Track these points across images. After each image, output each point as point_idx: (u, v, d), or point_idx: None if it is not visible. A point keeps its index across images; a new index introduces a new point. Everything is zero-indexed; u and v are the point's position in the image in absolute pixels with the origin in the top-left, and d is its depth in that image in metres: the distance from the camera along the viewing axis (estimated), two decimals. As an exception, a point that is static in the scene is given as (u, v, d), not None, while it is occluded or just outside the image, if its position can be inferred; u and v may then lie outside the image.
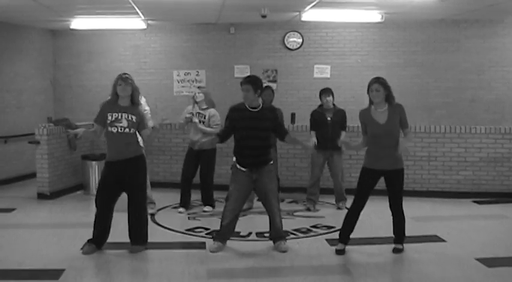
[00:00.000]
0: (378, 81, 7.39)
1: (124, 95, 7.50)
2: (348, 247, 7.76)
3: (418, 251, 7.68)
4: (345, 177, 10.66)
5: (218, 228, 7.87)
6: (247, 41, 14.33)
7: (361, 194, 7.64)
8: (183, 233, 8.64)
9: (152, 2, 11.07)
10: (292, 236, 8.39)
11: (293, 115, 12.09)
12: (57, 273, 6.72)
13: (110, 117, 7.38)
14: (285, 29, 14.13)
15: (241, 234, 8.48)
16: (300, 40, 14.15)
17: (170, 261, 7.29)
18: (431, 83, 13.91)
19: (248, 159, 7.61)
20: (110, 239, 7.78)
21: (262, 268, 7.07)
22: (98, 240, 7.65)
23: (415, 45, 13.87)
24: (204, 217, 9.65)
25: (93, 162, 11.65)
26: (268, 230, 8.09)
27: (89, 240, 7.65)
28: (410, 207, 10.28)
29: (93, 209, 9.95)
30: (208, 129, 9.82)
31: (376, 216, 9.68)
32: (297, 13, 12.32)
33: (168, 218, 9.54)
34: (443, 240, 8.16)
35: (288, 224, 9.01)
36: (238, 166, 7.64)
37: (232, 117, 7.68)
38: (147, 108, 9.53)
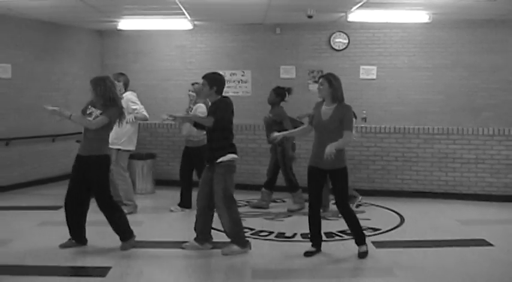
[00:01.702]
0: (324, 76, 7.43)
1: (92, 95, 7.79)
2: (394, 250, 7.73)
3: (464, 255, 7.58)
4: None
5: (261, 228, 7.86)
6: (293, 41, 14.31)
7: (313, 194, 7.53)
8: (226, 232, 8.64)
9: (199, 3, 11.12)
10: (337, 237, 8.34)
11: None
12: (104, 270, 6.80)
13: (88, 110, 7.74)
14: (331, 30, 14.07)
15: (286, 235, 8.47)
16: (346, 41, 14.08)
17: (215, 260, 7.33)
18: (479, 84, 13.70)
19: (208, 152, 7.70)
20: (155, 238, 7.85)
21: (306, 269, 7.04)
22: (74, 235, 7.88)
23: (462, 46, 13.68)
24: (248, 217, 9.65)
25: (139, 162, 11.74)
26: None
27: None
28: (457, 210, 10.26)
29: (139, 207, 10.12)
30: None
31: (421, 218, 9.64)
32: (343, 13, 12.27)
33: (214, 218, 9.55)
34: (491, 245, 8.01)
35: (333, 225, 9.00)
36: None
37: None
38: (134, 107, 9.89)
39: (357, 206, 10.20)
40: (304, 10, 11.63)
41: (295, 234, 8.47)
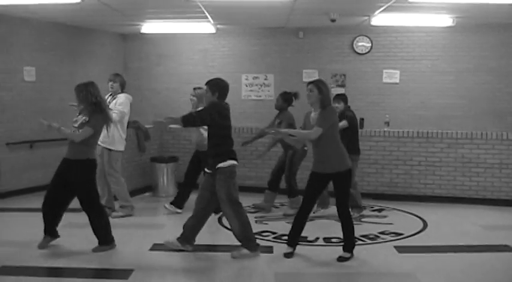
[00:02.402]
0: (314, 82, 7.44)
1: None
2: (416, 255, 7.70)
3: (488, 260, 7.52)
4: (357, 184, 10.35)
5: (285, 232, 7.86)
6: (316, 45, 14.29)
7: (309, 198, 7.54)
8: (250, 236, 8.65)
9: (222, 7, 11.14)
10: (359, 242, 8.32)
11: (362, 120, 12.01)
12: (127, 273, 6.83)
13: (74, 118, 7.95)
14: (354, 34, 14.04)
15: (309, 239, 8.45)
16: (369, 44, 14.04)
17: (237, 264, 7.32)
18: (503, 88, 13.58)
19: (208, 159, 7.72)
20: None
21: (329, 274, 7.04)
22: (49, 229, 8.00)
23: (486, 50, 13.58)
24: (271, 221, 9.66)
25: (162, 165, 11.80)
26: (336, 235, 8.09)
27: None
28: (480, 216, 10.19)
29: (161, 210, 10.17)
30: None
31: (444, 223, 9.59)
32: (367, 17, 12.24)
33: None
34: (515, 250, 7.97)
35: (355, 230, 8.95)
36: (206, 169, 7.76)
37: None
38: (119, 107, 10.01)
39: (360, 217, 10.05)
40: (328, 14, 11.61)
41: (317, 238, 8.45)
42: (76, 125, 7.76)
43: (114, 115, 9.72)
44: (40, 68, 12.42)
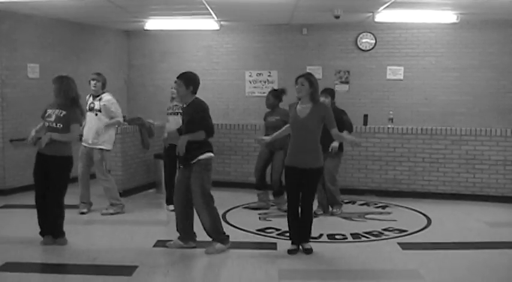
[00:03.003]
0: (305, 76, 7.49)
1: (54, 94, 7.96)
2: (420, 251, 7.70)
3: (492, 257, 7.51)
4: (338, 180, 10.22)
5: (287, 229, 7.85)
6: (320, 41, 14.27)
7: (291, 194, 7.58)
8: (254, 233, 8.64)
9: (225, 3, 11.13)
10: (363, 238, 8.31)
11: (365, 117, 12.00)
12: (130, 269, 6.83)
13: (46, 113, 7.91)
14: (358, 30, 14.01)
15: (312, 235, 8.43)
16: (373, 41, 14.01)
17: (241, 261, 7.31)
18: (507, 85, 13.53)
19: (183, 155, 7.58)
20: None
21: (332, 270, 7.03)
22: (46, 229, 7.96)
23: (491, 47, 13.54)
24: (275, 217, 9.65)
25: (166, 162, 11.80)
26: (339, 232, 8.09)
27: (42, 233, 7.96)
28: (485, 212, 10.19)
29: (164, 207, 10.17)
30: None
31: (448, 220, 9.59)
32: (371, 14, 12.21)
33: (239, 218, 9.58)
34: (520, 247, 7.96)
35: (359, 227, 8.99)
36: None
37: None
38: (112, 110, 9.97)
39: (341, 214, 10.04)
40: (331, 10, 11.59)
41: (321, 235, 8.44)
42: (52, 119, 7.76)
43: (118, 119, 9.80)
44: (44, 65, 12.41)
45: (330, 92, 10.03)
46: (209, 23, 13.40)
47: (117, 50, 14.90)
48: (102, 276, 6.79)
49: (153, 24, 13.40)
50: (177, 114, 9.97)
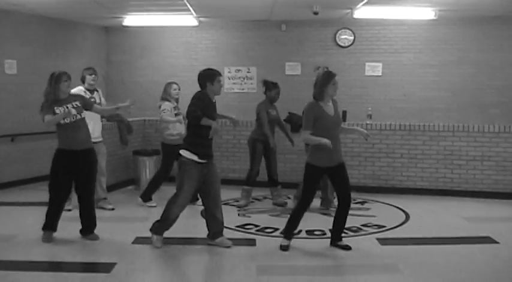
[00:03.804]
0: (336, 75, 7.50)
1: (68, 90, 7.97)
2: (399, 247, 7.74)
3: (470, 252, 7.57)
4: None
5: (268, 225, 7.84)
6: (299, 38, 14.29)
7: (312, 192, 7.56)
8: (233, 229, 8.62)
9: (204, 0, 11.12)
10: (343, 234, 8.33)
11: (344, 113, 12.01)
12: (109, 266, 6.80)
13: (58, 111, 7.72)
14: (337, 26, 14.05)
15: (291, 231, 8.48)
16: (352, 37, 14.06)
17: (220, 257, 7.31)
18: (486, 81, 13.65)
19: (206, 149, 7.59)
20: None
21: (311, 266, 7.04)
22: (54, 224, 7.99)
23: (469, 43, 13.64)
24: (254, 214, 9.66)
25: (145, 158, 11.74)
26: (318, 228, 8.09)
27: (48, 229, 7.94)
28: (463, 208, 10.26)
29: (144, 203, 10.14)
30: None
31: (426, 215, 9.63)
32: (349, 10, 12.24)
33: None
34: (496, 242, 7.99)
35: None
36: (198, 159, 7.47)
37: (209, 103, 7.59)
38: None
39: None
40: (310, 7, 11.62)
41: (300, 231, 8.45)
42: (74, 113, 7.67)
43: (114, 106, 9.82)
44: (21, 61, 12.33)
45: None
46: (188, 19, 13.38)
47: (95, 46, 14.82)
48: (80, 273, 6.76)
49: (131, 20, 13.35)
50: (180, 114, 10.08)
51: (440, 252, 7.57)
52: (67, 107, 7.64)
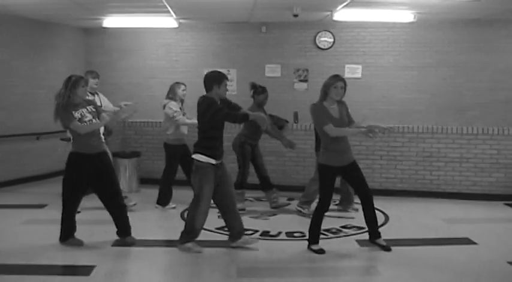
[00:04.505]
0: (343, 79, 7.56)
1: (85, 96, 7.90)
2: (379, 248, 7.76)
3: (449, 253, 7.61)
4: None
5: (246, 226, 7.83)
6: (279, 40, 14.31)
7: (329, 192, 7.62)
8: (213, 231, 8.61)
9: (184, 1, 11.10)
10: (321, 236, 8.35)
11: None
12: (88, 269, 6.78)
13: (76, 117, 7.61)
14: (317, 29, 14.09)
15: (271, 233, 8.48)
16: (332, 40, 14.11)
17: (200, 260, 7.31)
18: (464, 83, 13.77)
19: (219, 150, 7.53)
20: (139, 236, 7.86)
21: (291, 268, 7.05)
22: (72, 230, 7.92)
23: (448, 46, 13.74)
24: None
25: (124, 160, 11.70)
26: (298, 229, 8.11)
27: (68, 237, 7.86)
28: (441, 209, 10.32)
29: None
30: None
31: (406, 217, 9.67)
32: (329, 12, 12.28)
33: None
34: (475, 243, 8.05)
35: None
36: (213, 161, 7.43)
37: (218, 107, 7.48)
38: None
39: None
40: (290, 9, 11.63)
41: (279, 233, 8.47)
42: (90, 117, 7.67)
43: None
44: (0, 62, 12.24)
45: None
46: (168, 21, 13.34)
47: (74, 47, 14.73)
48: (59, 276, 6.73)
49: (111, 21, 13.28)
50: (185, 115, 10.15)
51: (419, 253, 7.60)
52: (82, 112, 7.60)
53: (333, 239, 8.26)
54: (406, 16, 12.28)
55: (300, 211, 9.88)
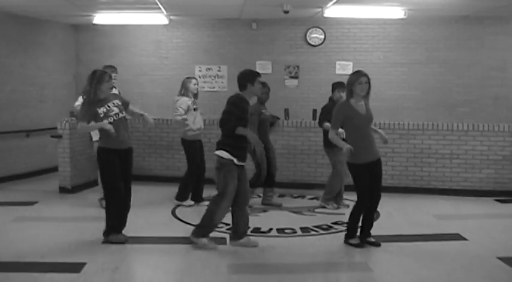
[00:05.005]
0: (366, 74, 7.58)
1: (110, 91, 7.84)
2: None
3: (439, 249, 7.62)
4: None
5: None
6: (269, 36, 14.31)
7: (366, 189, 7.63)
8: (203, 228, 8.62)
9: (175, -3, 11.11)
10: (312, 232, 8.37)
11: (314, 111, 12.03)
12: (78, 266, 6.75)
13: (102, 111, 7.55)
14: (307, 25, 14.09)
15: (262, 230, 8.47)
16: (322, 36, 14.11)
17: (191, 256, 7.29)
18: (454, 80, 13.81)
19: (243, 151, 7.53)
20: (130, 233, 7.84)
21: (282, 264, 7.05)
22: (121, 228, 7.84)
23: (438, 42, 13.78)
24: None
25: (115, 157, 11.68)
26: (289, 226, 8.12)
27: (111, 232, 7.76)
28: (432, 205, 10.34)
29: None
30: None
31: (396, 213, 9.69)
32: (320, 9, 12.28)
33: (189, 213, 9.54)
34: (465, 239, 8.07)
35: (308, 221, 9.06)
36: (237, 161, 7.42)
37: (246, 108, 7.52)
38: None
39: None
40: (281, 5, 11.62)
41: (270, 229, 8.47)
42: (116, 111, 7.60)
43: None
44: (-12, 60, 12.23)
45: (344, 86, 10.21)
46: (158, 18, 13.33)
47: (64, 44, 14.69)
48: (50, 273, 6.69)
49: (101, 18, 13.26)
50: (198, 109, 10.16)
51: (410, 249, 7.62)
52: (108, 106, 7.54)
53: (323, 236, 8.26)
54: (397, 13, 12.30)
55: (324, 207, 9.90)
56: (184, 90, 10.07)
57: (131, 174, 7.92)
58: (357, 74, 7.55)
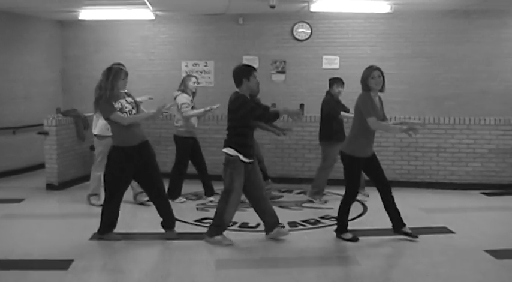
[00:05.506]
0: (378, 68, 7.64)
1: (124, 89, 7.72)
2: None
3: (426, 242, 7.66)
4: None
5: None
6: (256, 31, 14.30)
7: (356, 183, 7.78)
8: (191, 223, 8.63)
9: (161, -7, 11.07)
10: (300, 227, 8.38)
11: (302, 106, 12.04)
12: (66, 263, 6.74)
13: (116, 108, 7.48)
14: (294, 20, 14.09)
15: (250, 225, 8.48)
16: (309, 31, 14.11)
17: (179, 252, 7.30)
18: (441, 74, 13.85)
19: (250, 149, 7.54)
20: (119, 230, 7.83)
21: (270, 259, 7.06)
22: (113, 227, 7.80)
23: (424, 36, 13.81)
24: (212, 208, 9.63)
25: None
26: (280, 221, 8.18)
27: (107, 230, 7.76)
28: (419, 199, 10.38)
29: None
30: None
31: (383, 207, 9.69)
32: (306, 4, 12.28)
33: (177, 209, 9.51)
34: (452, 232, 8.14)
35: (296, 215, 9.07)
36: (244, 159, 7.45)
37: (252, 106, 7.50)
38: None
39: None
40: (267, 0, 11.61)
41: (258, 225, 8.46)
42: (130, 107, 7.57)
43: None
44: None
45: (341, 81, 10.20)
46: (144, 13, 13.29)
47: (50, 40, 14.62)
48: (37, 270, 6.67)
49: (87, 14, 13.21)
50: (194, 108, 10.09)
51: (397, 243, 7.65)
52: (121, 103, 7.49)
53: (311, 230, 8.28)
54: (383, 7, 12.32)
55: (312, 202, 9.93)
56: (183, 87, 10.06)
57: (156, 166, 7.76)
58: (369, 69, 7.61)
